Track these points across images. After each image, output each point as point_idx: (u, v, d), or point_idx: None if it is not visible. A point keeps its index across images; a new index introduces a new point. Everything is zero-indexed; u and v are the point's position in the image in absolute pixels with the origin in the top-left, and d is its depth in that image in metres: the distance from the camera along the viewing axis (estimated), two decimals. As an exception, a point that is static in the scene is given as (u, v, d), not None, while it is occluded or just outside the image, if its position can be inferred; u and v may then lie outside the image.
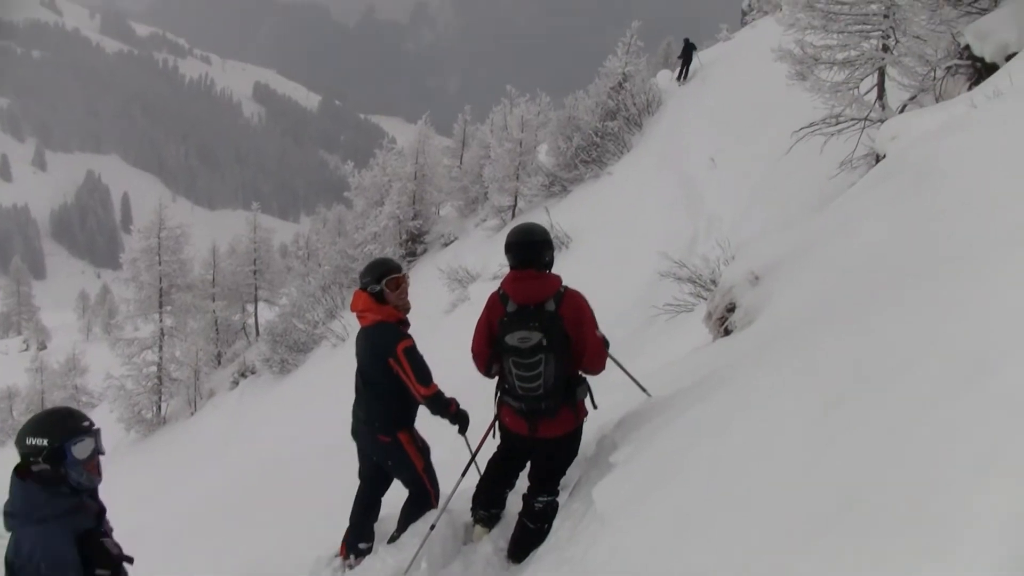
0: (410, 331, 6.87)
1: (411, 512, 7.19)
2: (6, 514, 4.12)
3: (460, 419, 7.04)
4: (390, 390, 6.77)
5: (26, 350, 79.20)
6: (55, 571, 4.07)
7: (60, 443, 4.19)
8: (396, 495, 7.36)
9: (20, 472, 4.19)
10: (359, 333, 6.89)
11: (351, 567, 7.05)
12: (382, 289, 6.76)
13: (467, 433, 7.19)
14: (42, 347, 78.33)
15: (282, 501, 13.66)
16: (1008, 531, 2.09)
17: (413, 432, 7.08)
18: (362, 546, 7.16)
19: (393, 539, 7.20)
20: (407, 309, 6.91)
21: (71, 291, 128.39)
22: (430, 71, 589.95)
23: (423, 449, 7.16)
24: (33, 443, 4.14)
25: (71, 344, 60.75)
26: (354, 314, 6.86)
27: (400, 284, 6.85)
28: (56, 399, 50.85)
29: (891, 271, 5.16)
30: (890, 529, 2.43)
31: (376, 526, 7.40)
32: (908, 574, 2.23)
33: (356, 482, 7.44)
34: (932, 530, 2.28)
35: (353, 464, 7.45)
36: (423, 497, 7.17)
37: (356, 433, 7.14)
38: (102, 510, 4.55)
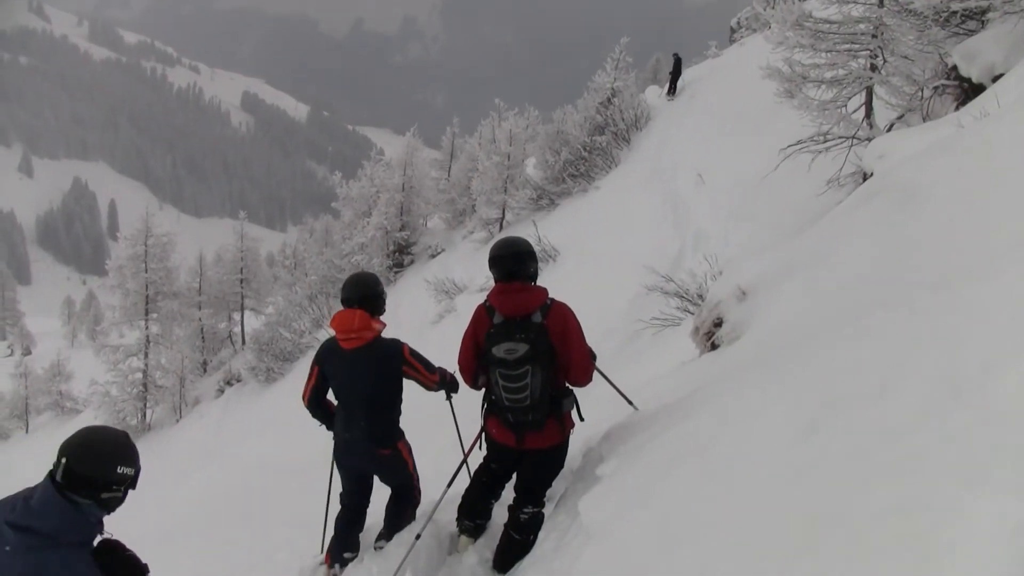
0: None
1: (396, 509, 7.32)
2: (26, 530, 3.76)
3: (455, 386, 7.27)
4: (393, 402, 6.90)
5: (10, 355, 78.95)
6: None
7: (138, 468, 4.08)
8: (378, 505, 7.41)
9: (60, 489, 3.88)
10: (350, 354, 6.73)
11: (336, 575, 7.06)
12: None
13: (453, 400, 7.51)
14: (27, 352, 78.19)
15: (266, 510, 13.63)
16: (1000, 544, 2.11)
17: (405, 437, 7.17)
18: (347, 555, 7.16)
19: (380, 537, 7.30)
20: None
21: (56, 297, 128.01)
22: (418, 83, 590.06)
23: (411, 450, 7.26)
24: (124, 471, 3.95)
25: (56, 350, 60.57)
26: (339, 334, 6.75)
27: None
28: (40, 404, 50.79)
29: (873, 293, 5.20)
30: (879, 546, 2.45)
31: (361, 536, 7.41)
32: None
33: (340, 490, 7.45)
34: (922, 545, 2.30)
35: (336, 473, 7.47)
36: (411, 492, 7.33)
37: (347, 452, 7.08)
38: None
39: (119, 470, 3.91)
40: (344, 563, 7.12)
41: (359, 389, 6.78)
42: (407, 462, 7.18)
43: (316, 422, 7.35)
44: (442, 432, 7.61)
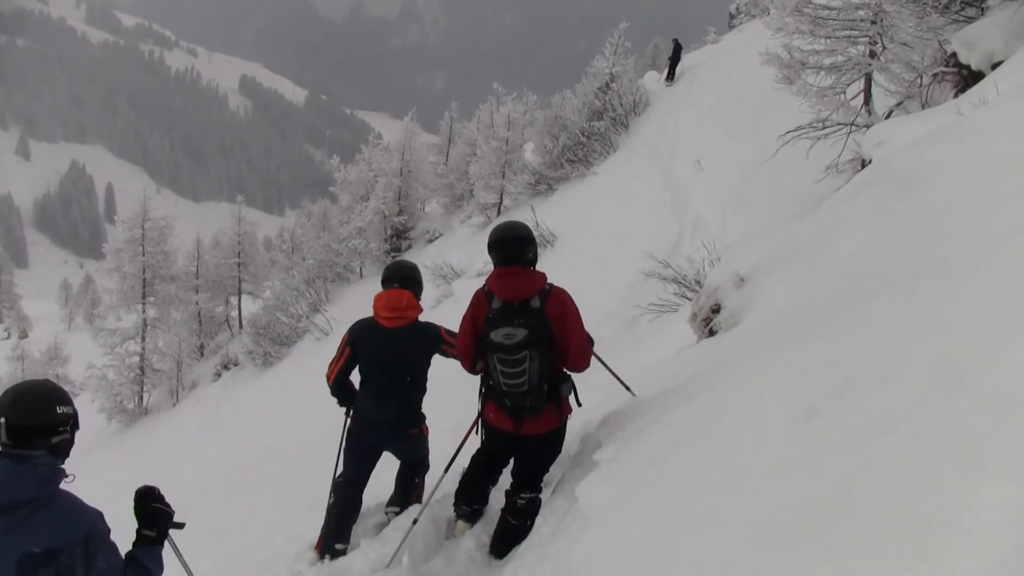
0: None
1: (409, 474, 7.55)
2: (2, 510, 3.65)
3: None
4: (423, 383, 7.13)
5: (7, 338, 79.14)
6: (106, 543, 3.88)
7: (75, 408, 4.04)
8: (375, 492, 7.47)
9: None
10: (392, 334, 6.88)
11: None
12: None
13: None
14: (24, 336, 78.32)
15: (263, 493, 13.64)
16: (1001, 530, 2.11)
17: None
18: (339, 547, 7.15)
19: (392, 502, 7.56)
20: None
21: (53, 281, 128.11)
22: (417, 68, 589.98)
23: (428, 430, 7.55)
24: (64, 411, 3.90)
25: (53, 333, 60.67)
26: (384, 313, 6.91)
27: None
28: (38, 388, 50.82)
29: (872, 280, 5.20)
30: (878, 532, 2.45)
31: (355, 526, 7.44)
32: (899, 572, 2.25)
33: (339, 477, 7.49)
34: (921, 531, 2.30)
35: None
36: (422, 462, 7.60)
37: (372, 430, 7.19)
38: None
39: (59, 410, 3.88)
40: (335, 555, 7.09)
41: (398, 369, 6.94)
42: (425, 437, 7.46)
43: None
44: (442, 415, 7.65)
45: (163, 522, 4.36)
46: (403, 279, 7.04)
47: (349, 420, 7.34)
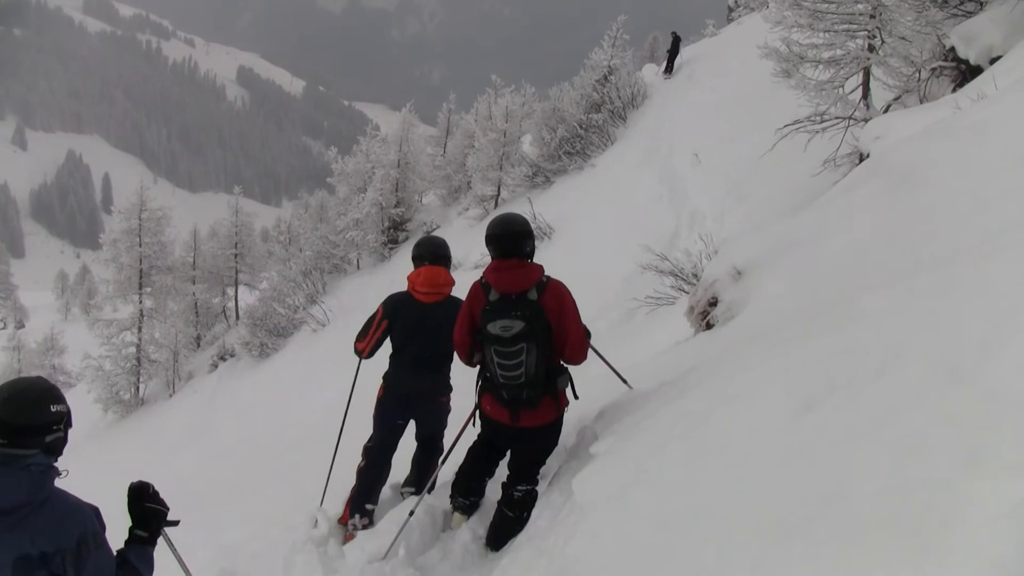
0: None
1: (424, 457, 7.83)
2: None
3: None
4: (453, 353, 7.22)
5: (3, 329, 79.26)
6: (100, 543, 3.84)
7: (68, 406, 3.98)
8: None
9: None
10: (429, 308, 7.17)
11: (356, 527, 7.28)
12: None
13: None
14: (20, 326, 78.43)
15: (260, 485, 13.64)
16: (999, 525, 2.11)
17: None
18: (368, 507, 7.42)
19: (408, 482, 7.89)
20: None
21: (50, 271, 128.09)
22: (415, 59, 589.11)
23: None
24: (57, 409, 3.85)
25: (49, 324, 60.61)
26: (422, 288, 7.18)
27: None
28: (34, 378, 50.78)
29: (870, 274, 5.20)
30: (875, 526, 2.45)
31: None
32: (897, 570, 2.25)
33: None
34: (919, 525, 2.30)
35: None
36: (439, 443, 7.78)
37: (406, 400, 7.43)
38: None
39: (52, 408, 3.83)
40: (365, 514, 7.36)
41: (435, 341, 7.16)
42: (448, 410, 7.72)
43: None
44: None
45: (156, 521, 4.35)
46: (434, 256, 7.28)
47: (380, 389, 7.53)
